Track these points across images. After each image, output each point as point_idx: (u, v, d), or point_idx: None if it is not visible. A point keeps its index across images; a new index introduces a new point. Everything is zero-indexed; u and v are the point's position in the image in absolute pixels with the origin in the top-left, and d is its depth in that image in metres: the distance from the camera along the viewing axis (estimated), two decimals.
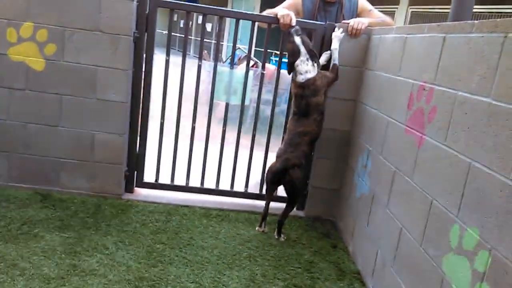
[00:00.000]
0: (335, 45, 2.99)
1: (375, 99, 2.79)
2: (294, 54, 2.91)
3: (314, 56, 2.90)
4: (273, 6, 3.35)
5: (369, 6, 3.47)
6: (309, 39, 2.97)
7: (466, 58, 1.79)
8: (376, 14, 3.38)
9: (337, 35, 2.99)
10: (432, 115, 2.00)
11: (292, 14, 3.07)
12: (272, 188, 3.06)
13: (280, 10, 3.12)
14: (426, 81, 2.10)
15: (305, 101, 2.88)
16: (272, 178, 2.96)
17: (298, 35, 2.91)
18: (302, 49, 2.88)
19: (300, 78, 2.88)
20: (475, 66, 1.72)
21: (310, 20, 3.31)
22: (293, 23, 3.06)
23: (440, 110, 1.94)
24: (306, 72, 2.87)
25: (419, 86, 2.16)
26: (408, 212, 2.13)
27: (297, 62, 2.89)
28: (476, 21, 1.79)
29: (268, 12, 3.24)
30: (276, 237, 2.97)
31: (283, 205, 3.02)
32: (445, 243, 1.75)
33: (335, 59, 2.99)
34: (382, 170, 2.51)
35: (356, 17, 3.33)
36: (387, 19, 3.39)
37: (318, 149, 3.28)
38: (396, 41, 2.54)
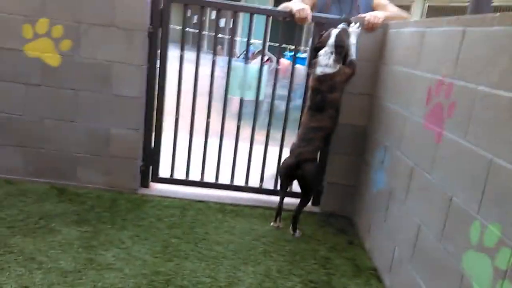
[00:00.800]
0: (352, 40, 2.91)
1: (392, 94, 2.76)
2: (322, 42, 2.87)
3: (339, 53, 2.81)
4: (285, 1, 3.32)
5: (384, 0, 3.42)
6: (347, 41, 2.87)
7: (486, 51, 1.75)
8: (392, 9, 3.33)
9: (354, 30, 2.93)
10: (451, 110, 1.96)
11: (308, 8, 3.04)
12: (286, 183, 3.05)
13: (295, 5, 3.09)
14: (445, 76, 2.06)
15: (321, 96, 2.84)
16: (286, 172, 2.95)
17: (340, 28, 2.85)
18: (331, 41, 2.81)
19: (319, 71, 2.84)
20: (496, 59, 1.68)
21: (323, 12, 3.28)
22: (309, 18, 3.03)
23: (460, 105, 1.90)
24: (326, 65, 2.81)
25: (438, 81, 2.12)
26: (426, 208, 2.10)
27: (321, 52, 2.84)
28: (496, 14, 1.75)
29: (284, 6, 3.21)
30: (292, 232, 2.95)
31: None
32: (465, 239, 1.72)
33: (352, 55, 2.91)
34: (399, 165, 2.48)
35: (371, 11, 3.29)
36: (403, 13, 3.34)
37: (334, 144, 3.25)
38: (414, 35, 2.50)
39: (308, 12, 3.02)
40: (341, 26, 2.87)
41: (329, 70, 2.81)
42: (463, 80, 1.89)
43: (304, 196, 2.97)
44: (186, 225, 2.88)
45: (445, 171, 1.96)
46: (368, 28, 2.99)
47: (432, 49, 2.25)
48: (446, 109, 2.00)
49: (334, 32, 2.84)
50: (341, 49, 2.81)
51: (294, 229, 2.96)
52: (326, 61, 2.81)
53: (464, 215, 1.75)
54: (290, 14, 3.07)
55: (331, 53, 2.81)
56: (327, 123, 2.88)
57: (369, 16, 2.99)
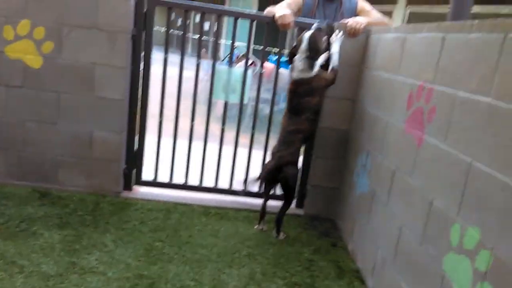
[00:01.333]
0: (335, 48, 2.91)
1: (374, 99, 2.80)
2: (295, 47, 2.87)
3: (313, 58, 2.80)
4: (270, 4, 3.35)
5: (368, 6, 3.48)
6: (324, 39, 2.86)
7: (465, 57, 1.80)
8: (375, 14, 3.39)
9: (337, 37, 2.95)
10: (431, 114, 2.01)
11: (291, 15, 3.06)
12: (268, 186, 3.07)
13: (278, 10, 3.11)
14: (425, 81, 2.11)
15: (297, 99, 2.85)
16: (267, 176, 2.97)
17: (313, 30, 2.82)
18: (304, 46, 2.80)
19: (295, 75, 2.85)
20: (474, 66, 1.72)
21: (308, 16, 3.31)
22: (291, 24, 3.05)
23: (440, 110, 1.94)
24: (301, 70, 2.81)
25: (418, 86, 2.17)
26: (408, 211, 2.14)
27: (296, 57, 2.85)
28: (475, 21, 1.80)
29: (268, 10, 3.24)
30: (275, 235, 2.97)
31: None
32: (445, 242, 1.76)
33: (335, 62, 2.91)
34: (381, 169, 2.52)
35: (355, 17, 3.34)
36: (385, 19, 3.40)
37: (317, 148, 3.28)
38: (395, 40, 2.55)
39: (290, 19, 3.05)
40: (314, 26, 2.83)
41: (305, 75, 2.81)
42: (443, 85, 1.94)
43: (286, 199, 2.99)
44: (170, 228, 2.87)
45: (426, 174, 2.00)
46: (350, 33, 3.03)
47: (413, 55, 2.30)
48: (427, 114, 2.05)
49: (307, 35, 2.81)
50: (314, 53, 2.79)
51: (278, 232, 2.98)
52: (301, 66, 2.81)
53: (444, 218, 1.79)
54: (273, 20, 3.09)
55: (305, 58, 2.79)
56: (305, 126, 2.89)
57: (351, 21, 3.03)
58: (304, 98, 2.83)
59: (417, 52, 2.25)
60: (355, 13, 3.43)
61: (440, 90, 1.96)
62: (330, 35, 2.91)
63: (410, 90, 2.25)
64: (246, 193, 3.32)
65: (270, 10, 3.23)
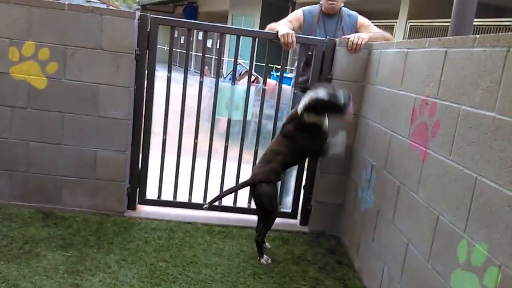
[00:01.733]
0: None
1: (377, 114, 2.79)
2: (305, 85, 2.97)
3: (311, 110, 2.67)
4: (272, 21, 3.37)
5: (367, 21, 3.50)
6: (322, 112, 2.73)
7: (468, 72, 1.79)
8: (375, 29, 3.40)
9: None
10: (435, 129, 1.99)
11: (293, 34, 3.08)
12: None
13: (281, 28, 3.13)
14: (428, 95, 2.10)
15: (289, 126, 2.82)
16: (249, 192, 2.93)
17: (322, 96, 2.61)
18: (308, 99, 2.66)
19: (298, 108, 2.75)
20: (478, 80, 1.72)
21: (308, 32, 3.33)
22: (294, 43, 3.07)
23: (444, 125, 1.93)
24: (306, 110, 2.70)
25: (421, 101, 2.16)
26: (414, 227, 2.11)
27: (306, 96, 2.70)
28: (478, 36, 1.80)
29: (270, 27, 3.26)
30: (258, 258, 2.83)
31: (287, 220, 2.99)
32: (453, 259, 1.73)
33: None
34: (386, 184, 2.49)
35: (355, 32, 3.36)
36: (386, 34, 3.41)
37: (321, 163, 3.26)
38: (397, 55, 2.55)
39: (293, 38, 3.06)
40: (323, 93, 2.61)
41: (307, 117, 2.71)
42: (446, 100, 1.93)
43: (263, 220, 2.90)
44: (174, 247, 2.85)
45: (432, 190, 1.98)
46: (353, 49, 3.04)
47: (415, 70, 2.29)
48: (430, 129, 2.04)
49: (316, 93, 2.64)
50: (313, 110, 2.68)
51: (261, 255, 2.83)
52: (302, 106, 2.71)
53: (451, 234, 1.76)
54: (276, 37, 3.11)
55: (307, 105, 2.67)
56: (285, 150, 2.80)
57: (353, 37, 3.05)
58: (294, 130, 2.79)
59: (419, 67, 2.25)
60: (355, 28, 3.45)
61: (443, 105, 1.95)
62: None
63: (413, 104, 2.24)
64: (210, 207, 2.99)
65: (271, 27, 3.26)
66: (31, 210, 3.11)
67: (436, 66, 2.04)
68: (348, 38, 3.06)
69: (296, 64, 3.61)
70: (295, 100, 3.35)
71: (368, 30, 3.36)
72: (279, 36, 3.08)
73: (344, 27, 3.43)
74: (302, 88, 3.05)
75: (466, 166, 1.72)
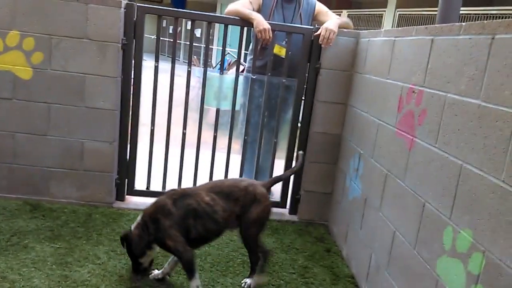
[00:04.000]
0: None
1: (365, 102, 2.80)
2: None
3: None
4: None
5: (325, 8, 3.49)
6: None
7: (454, 60, 1.80)
8: (333, 15, 3.39)
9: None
10: (422, 117, 2.01)
11: (269, 29, 3.05)
12: None
13: (257, 21, 3.07)
14: (415, 84, 2.11)
15: None
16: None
17: None
18: None
19: None
20: (463, 68, 1.72)
21: (266, 16, 3.27)
22: (270, 40, 3.07)
23: (430, 113, 1.94)
24: None
25: (408, 89, 2.17)
26: (401, 215, 2.13)
27: None
28: (463, 23, 1.80)
29: (234, 10, 3.18)
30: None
31: (276, 210, 2.99)
32: (438, 245, 1.75)
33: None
34: (373, 173, 2.51)
35: (312, 18, 3.40)
36: (346, 19, 3.42)
37: (309, 152, 3.27)
38: (384, 44, 2.55)
39: (270, 35, 3.05)
40: None
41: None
42: (433, 88, 1.94)
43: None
44: None
45: (418, 177, 1.99)
46: (324, 43, 3.03)
47: (403, 58, 2.30)
48: (417, 117, 2.05)
49: None
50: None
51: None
52: None
53: (437, 221, 1.78)
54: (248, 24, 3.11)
55: None
56: None
57: (323, 31, 3.02)
58: None
59: (406, 55, 2.26)
60: (312, 14, 3.45)
61: (430, 93, 1.95)
62: None
63: (400, 93, 2.25)
64: None
65: (233, 9, 3.19)
66: (18, 202, 3.08)
67: (423, 54, 2.05)
68: (318, 34, 3.04)
69: (251, 48, 3.55)
70: (253, 86, 3.34)
71: (327, 17, 3.35)
72: (255, 31, 3.07)
73: (302, 13, 3.41)
74: (259, 73, 3.05)
75: (451, 153, 1.74)
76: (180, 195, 2.24)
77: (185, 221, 2.18)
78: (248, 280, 2.42)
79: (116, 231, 2.86)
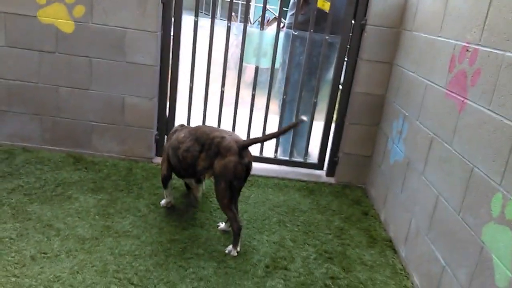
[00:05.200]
0: None
1: (412, 62, 2.67)
2: None
3: None
4: None
5: None
6: None
7: None
8: None
9: None
10: (475, 77, 1.89)
11: None
12: None
13: None
14: (469, 42, 1.97)
15: None
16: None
17: None
18: None
19: None
20: None
21: None
22: None
23: (485, 73, 1.82)
24: None
25: (462, 47, 2.04)
26: (445, 179, 2.05)
27: None
28: None
29: None
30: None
31: (313, 171, 2.95)
32: (485, 212, 1.68)
33: None
34: (418, 136, 2.42)
35: None
36: None
37: (350, 114, 3.19)
38: None
39: None
40: None
41: None
42: (489, 46, 1.80)
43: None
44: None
45: (467, 141, 1.90)
46: None
47: (457, 14, 2.15)
48: (470, 77, 1.93)
49: None
50: None
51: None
52: None
53: (486, 187, 1.70)
54: None
55: None
56: None
57: None
58: None
59: (461, 10, 2.10)
60: None
61: (486, 51, 1.83)
62: None
63: (452, 51, 2.12)
64: None
65: None
66: (62, 154, 3.18)
67: (481, 9, 1.90)
68: None
69: (292, 2, 3.41)
70: (294, 42, 3.23)
71: None
72: None
73: None
74: (300, 29, 2.94)
75: (506, 116, 1.63)
76: (176, 129, 2.61)
77: (169, 150, 2.53)
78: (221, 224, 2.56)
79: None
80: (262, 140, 2.70)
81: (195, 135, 2.39)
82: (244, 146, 2.29)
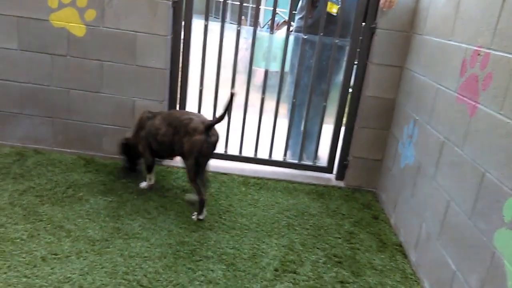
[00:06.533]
0: None
1: (423, 66, 2.65)
2: None
3: None
4: None
5: None
6: None
7: None
8: None
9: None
10: (487, 82, 1.87)
11: None
12: None
13: None
14: (481, 46, 1.96)
15: None
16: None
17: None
18: None
19: None
20: None
21: None
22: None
23: (496, 77, 1.80)
24: None
25: (473, 51, 2.02)
26: (457, 184, 2.04)
27: None
28: None
29: None
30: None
31: (322, 174, 2.94)
32: (497, 217, 1.66)
33: None
34: (429, 140, 2.40)
35: None
36: None
37: (360, 117, 3.18)
38: (448, 2, 2.38)
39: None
40: None
41: None
42: (501, 50, 1.79)
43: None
44: (210, 197, 2.89)
45: (478, 146, 1.88)
46: (385, 6, 2.86)
47: (468, 17, 2.13)
48: (481, 81, 1.91)
49: None
50: None
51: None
52: None
53: (498, 192, 1.69)
54: None
55: None
56: None
57: None
58: None
59: (473, 14, 2.09)
60: None
61: (497, 55, 1.81)
62: None
63: (464, 56, 2.11)
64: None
65: None
66: (73, 157, 3.20)
67: (492, 13, 1.89)
68: None
69: (300, 6, 3.41)
70: (304, 46, 3.23)
71: None
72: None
73: None
74: (308, 32, 2.97)
75: None
76: (147, 117, 2.76)
77: (148, 137, 2.73)
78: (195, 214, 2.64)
79: (166, 188, 2.92)
80: (223, 116, 2.61)
81: (168, 120, 2.67)
82: (209, 126, 2.56)
